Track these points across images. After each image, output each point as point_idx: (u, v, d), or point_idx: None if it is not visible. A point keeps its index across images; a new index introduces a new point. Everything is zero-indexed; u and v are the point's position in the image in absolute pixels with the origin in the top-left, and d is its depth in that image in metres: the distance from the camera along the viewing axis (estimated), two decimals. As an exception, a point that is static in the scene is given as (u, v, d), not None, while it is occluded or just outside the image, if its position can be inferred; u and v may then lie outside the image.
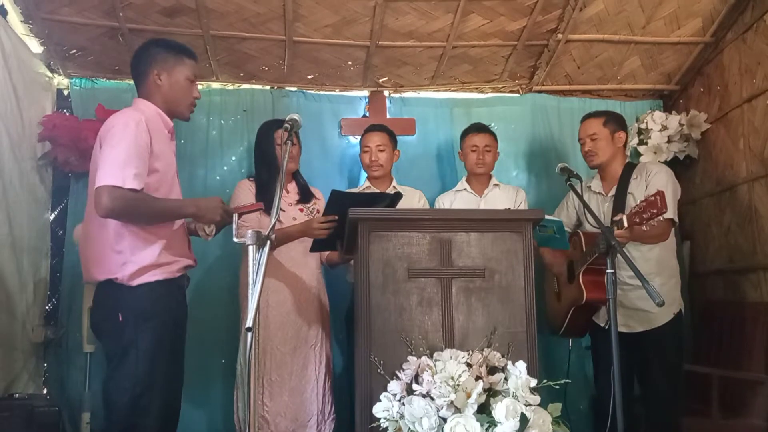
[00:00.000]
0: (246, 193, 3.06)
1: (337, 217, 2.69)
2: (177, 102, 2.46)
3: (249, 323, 1.76)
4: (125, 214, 2.23)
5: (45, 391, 3.50)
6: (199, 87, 3.85)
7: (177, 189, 2.48)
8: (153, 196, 2.28)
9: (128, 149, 2.21)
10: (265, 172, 3.05)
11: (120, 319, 2.25)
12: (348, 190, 3.41)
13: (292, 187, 3.22)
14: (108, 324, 2.30)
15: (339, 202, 2.65)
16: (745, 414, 3.08)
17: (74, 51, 3.67)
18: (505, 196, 3.46)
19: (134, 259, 2.27)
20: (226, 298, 3.57)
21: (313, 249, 2.99)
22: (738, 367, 3.20)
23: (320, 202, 3.24)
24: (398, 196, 2.79)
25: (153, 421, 2.26)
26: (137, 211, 2.24)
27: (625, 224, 2.47)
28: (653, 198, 2.37)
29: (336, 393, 3.14)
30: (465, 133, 3.51)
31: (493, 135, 3.49)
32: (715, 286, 3.77)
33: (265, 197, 2.89)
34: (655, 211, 2.37)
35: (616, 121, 3.19)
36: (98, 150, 2.30)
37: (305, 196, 3.21)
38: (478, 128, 3.49)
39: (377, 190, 3.40)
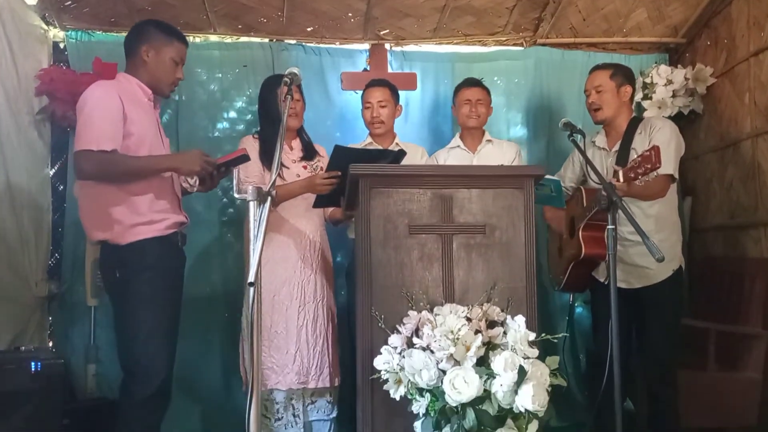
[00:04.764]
0: (250, 149, 3.03)
1: (340, 173, 2.67)
2: (159, 79, 2.58)
3: (251, 278, 1.78)
4: (101, 175, 2.37)
5: (50, 344, 3.55)
6: (197, 40, 3.87)
7: (162, 150, 2.57)
8: (127, 155, 2.39)
9: (98, 115, 2.36)
10: (270, 128, 3.03)
11: (117, 275, 2.42)
12: (350, 146, 3.39)
13: (296, 143, 3.19)
14: (108, 281, 2.48)
15: (342, 157, 2.62)
16: (741, 367, 3.13)
17: (69, 2, 3.60)
18: (498, 151, 3.43)
19: (121, 219, 2.41)
20: (231, 253, 3.61)
21: (316, 205, 2.99)
22: (735, 321, 3.23)
23: (324, 159, 3.22)
24: (402, 153, 2.77)
25: (163, 364, 2.41)
26: (112, 170, 2.36)
27: (621, 179, 2.48)
28: (648, 153, 2.39)
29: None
30: (458, 88, 3.48)
31: (487, 90, 3.45)
32: (715, 242, 3.78)
33: (270, 153, 2.87)
34: (649, 166, 2.38)
35: (623, 75, 3.14)
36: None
37: (309, 152, 3.19)
38: (471, 82, 3.45)
39: (380, 147, 3.37)
